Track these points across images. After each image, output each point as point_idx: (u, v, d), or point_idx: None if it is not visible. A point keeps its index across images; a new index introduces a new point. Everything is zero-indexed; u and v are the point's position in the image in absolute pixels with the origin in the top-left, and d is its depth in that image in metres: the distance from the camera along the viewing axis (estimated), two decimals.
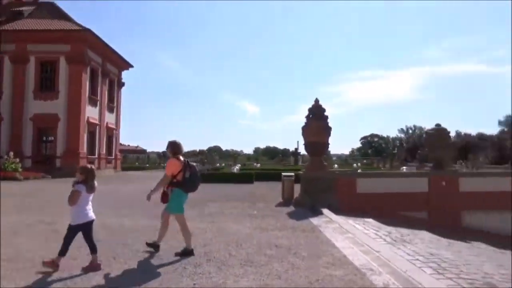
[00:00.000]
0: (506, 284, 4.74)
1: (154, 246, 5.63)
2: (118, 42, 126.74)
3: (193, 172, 5.49)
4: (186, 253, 5.43)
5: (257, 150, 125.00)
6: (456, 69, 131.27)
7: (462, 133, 58.68)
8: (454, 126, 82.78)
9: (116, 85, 35.49)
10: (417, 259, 5.36)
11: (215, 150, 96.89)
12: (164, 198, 5.45)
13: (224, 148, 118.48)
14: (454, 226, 11.75)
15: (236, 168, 31.00)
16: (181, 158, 5.56)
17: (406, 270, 4.71)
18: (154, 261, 5.18)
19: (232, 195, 14.44)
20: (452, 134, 14.79)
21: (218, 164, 41.35)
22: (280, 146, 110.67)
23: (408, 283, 4.24)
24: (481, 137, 48.85)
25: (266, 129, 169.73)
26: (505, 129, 65.82)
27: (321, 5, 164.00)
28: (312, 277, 4.48)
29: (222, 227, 7.81)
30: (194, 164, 5.73)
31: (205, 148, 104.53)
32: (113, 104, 34.64)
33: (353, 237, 6.78)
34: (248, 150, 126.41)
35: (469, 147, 43.44)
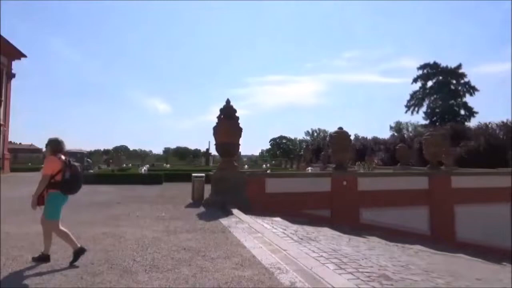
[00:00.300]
0: (398, 274, 5.17)
1: (42, 259, 5.04)
2: (8, 28, 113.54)
3: (74, 173, 5.04)
4: (43, 258, 5.01)
5: (167, 150, 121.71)
6: (356, 78, 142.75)
7: (360, 137, 64.09)
8: (353, 130, 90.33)
9: (4, 76, 31.61)
10: (321, 256, 5.60)
11: (121, 150, 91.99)
12: (40, 200, 4.93)
13: (131, 148, 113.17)
14: (354, 222, 12.66)
15: (144, 169, 29.83)
16: (62, 157, 5.08)
17: (312, 267, 4.88)
18: (44, 272, 4.62)
19: (140, 197, 13.77)
20: (352, 137, 15.96)
21: (124, 165, 39.34)
22: (192, 146, 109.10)
23: (313, 279, 4.39)
24: (375, 140, 53.70)
25: (177, 129, 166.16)
26: (395, 134, 73.43)
27: (234, 8, 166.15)
28: (221, 280, 4.39)
29: (127, 231, 7.34)
30: (77, 164, 5.26)
31: (111, 147, 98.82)
32: (0, 98, 30.83)
33: (262, 237, 6.87)
34: (158, 150, 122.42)
35: (365, 149, 47.54)
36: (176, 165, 49.49)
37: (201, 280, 4.36)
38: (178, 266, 4.95)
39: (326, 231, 9.11)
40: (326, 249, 6.19)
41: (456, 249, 12.35)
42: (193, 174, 13.74)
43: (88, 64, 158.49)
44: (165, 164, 48.12)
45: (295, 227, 8.57)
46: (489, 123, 34.76)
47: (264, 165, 48.98)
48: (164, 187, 18.88)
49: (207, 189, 12.79)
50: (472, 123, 52.25)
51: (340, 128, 14.78)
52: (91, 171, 30.29)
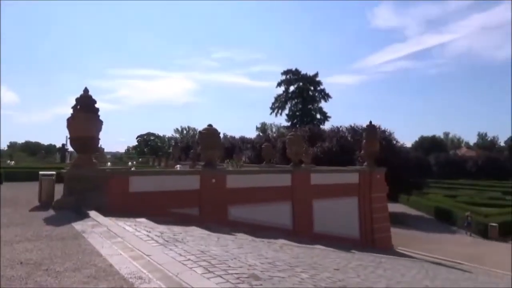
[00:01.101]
0: (266, 272, 5.09)
1: None
2: None
3: None
4: None
5: (13, 145, 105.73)
6: (225, 79, 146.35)
7: (228, 136, 65.81)
8: (222, 129, 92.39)
9: None
10: (189, 259, 5.18)
11: None
12: None
13: None
14: (222, 220, 12.57)
15: None
16: None
17: (178, 272, 4.43)
18: None
19: None
20: (220, 136, 15.94)
21: None
22: (45, 141, 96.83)
23: (179, 287, 3.95)
24: (243, 140, 55.74)
25: (27, 122, 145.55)
26: (261, 134, 77.58)
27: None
28: None
29: None
30: None
31: None
32: None
33: (123, 242, 6.12)
34: (2, 145, 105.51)
35: (233, 148, 48.91)
36: (24, 162, 43.04)
37: None
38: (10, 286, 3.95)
39: (195, 231, 8.73)
40: (194, 251, 5.80)
41: (314, 241, 13.35)
42: (41, 172, 11.82)
43: None
44: (8, 161, 41.43)
45: (161, 228, 7.96)
46: (340, 126, 39.24)
47: (129, 163, 46.22)
48: (5, 187, 16.01)
49: (59, 189, 11.14)
50: (327, 126, 58.41)
51: (210, 126, 14.59)
52: None
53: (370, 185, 18.33)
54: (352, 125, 38.18)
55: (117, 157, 69.65)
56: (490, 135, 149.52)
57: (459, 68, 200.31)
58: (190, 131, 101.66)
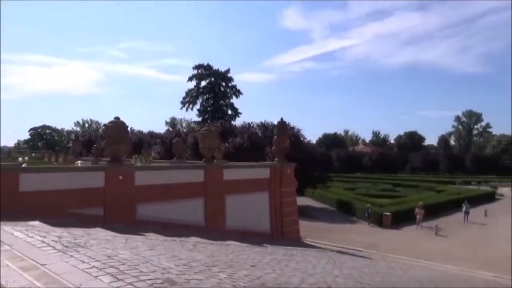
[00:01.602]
0: (182, 276, 4.73)
1: None
2: None
3: None
4: None
5: None
6: (133, 71, 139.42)
7: (136, 130, 62.71)
8: (129, 123, 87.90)
9: None
10: (94, 266, 4.58)
11: None
12: None
13: None
14: (130, 219, 11.75)
15: None
16: None
17: (81, 283, 3.86)
18: None
19: None
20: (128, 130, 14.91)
21: None
22: None
23: None
24: (152, 134, 53.60)
25: None
26: (170, 129, 75.47)
27: None
28: None
29: None
30: None
31: None
32: None
33: (10, 250, 5.22)
34: None
35: (141, 143, 46.71)
36: None
37: None
38: None
39: (99, 233, 7.93)
40: (100, 256, 5.17)
41: (227, 237, 13.23)
42: None
43: None
44: None
45: (59, 231, 7.05)
46: (251, 122, 39.83)
47: (20, 158, 41.37)
48: None
49: None
50: (238, 122, 59.01)
51: (117, 118, 13.55)
52: None
53: (281, 180, 18.81)
54: (263, 121, 39.05)
55: (4, 152, 61.98)
56: (382, 133, 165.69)
57: (358, 72, 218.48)
58: (93, 124, 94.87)
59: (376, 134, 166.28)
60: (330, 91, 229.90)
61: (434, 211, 32.96)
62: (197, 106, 69.68)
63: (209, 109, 68.41)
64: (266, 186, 18.38)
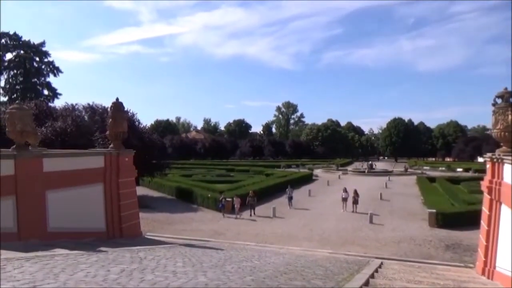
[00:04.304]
0: None
1: None
2: None
3: None
4: None
5: None
6: None
7: None
8: None
9: None
10: None
11: None
12: None
13: None
14: None
15: None
16: None
17: None
18: None
19: None
20: None
21: None
22: None
23: None
24: None
25: None
26: None
27: None
28: None
29: None
30: None
31: None
32: None
33: None
34: None
35: None
36: None
37: None
38: None
39: None
40: None
41: (50, 243, 10.39)
42: None
43: None
44: None
45: None
46: (76, 104, 34.58)
47: None
48: None
49: None
50: (58, 104, 51.10)
51: None
52: None
53: (118, 169, 16.21)
54: (91, 103, 34.32)
55: None
56: (213, 121, 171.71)
57: (187, 60, 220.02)
58: None
59: (207, 122, 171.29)
60: (160, 77, 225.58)
61: (268, 193, 34.92)
62: (1, 83, 57.51)
63: (18, 87, 57.24)
64: (100, 177, 15.53)
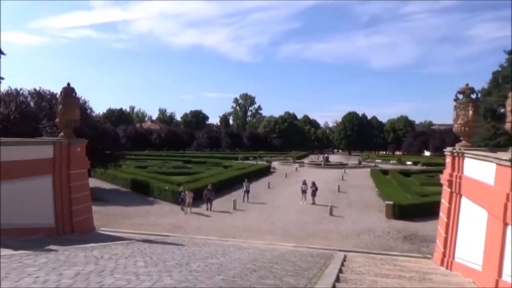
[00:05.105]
0: None
1: None
2: None
3: None
4: None
5: None
6: None
7: None
8: None
9: None
10: None
11: None
12: None
13: None
14: None
15: None
16: None
17: None
18: None
19: None
20: None
21: None
22: None
23: None
24: None
25: None
26: None
27: None
28: None
29: None
30: None
31: None
32: None
33: None
34: None
35: None
36: None
37: None
38: None
39: None
40: None
41: None
42: None
43: None
44: None
45: None
46: (21, 89, 31.96)
47: None
48: None
49: None
50: None
51: None
52: None
53: (69, 160, 14.99)
54: (38, 89, 31.85)
55: None
56: (169, 111, 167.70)
57: (143, 47, 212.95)
58: None
59: (162, 112, 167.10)
60: (114, 64, 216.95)
61: (227, 186, 34.37)
62: None
63: None
64: (48, 168, 14.26)
